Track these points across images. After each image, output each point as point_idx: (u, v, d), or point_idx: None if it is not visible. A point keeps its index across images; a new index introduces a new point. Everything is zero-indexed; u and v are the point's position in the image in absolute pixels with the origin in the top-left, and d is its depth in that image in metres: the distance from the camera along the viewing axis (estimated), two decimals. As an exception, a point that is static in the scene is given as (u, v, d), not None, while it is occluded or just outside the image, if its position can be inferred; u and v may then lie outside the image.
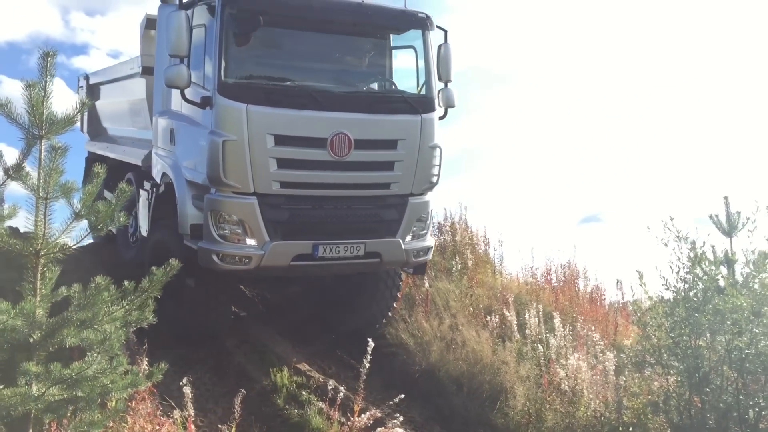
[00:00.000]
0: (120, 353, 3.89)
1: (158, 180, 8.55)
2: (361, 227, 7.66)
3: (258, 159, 7.07)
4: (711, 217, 6.88)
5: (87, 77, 13.07)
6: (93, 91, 12.72)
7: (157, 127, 8.68)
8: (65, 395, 3.80)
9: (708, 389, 6.25)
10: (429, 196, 8.27)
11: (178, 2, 7.43)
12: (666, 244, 6.65)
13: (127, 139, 11.21)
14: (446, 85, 8.24)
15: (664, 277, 6.66)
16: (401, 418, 6.34)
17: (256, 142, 7.05)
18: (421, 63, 8.23)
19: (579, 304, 10.60)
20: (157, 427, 5.15)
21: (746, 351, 6.00)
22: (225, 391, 7.07)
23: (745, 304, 6.03)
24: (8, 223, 4.47)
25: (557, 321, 8.47)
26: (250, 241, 7.20)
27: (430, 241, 8.41)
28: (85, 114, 12.78)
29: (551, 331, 8.47)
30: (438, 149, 8.06)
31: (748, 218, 6.67)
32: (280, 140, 7.16)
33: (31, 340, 3.81)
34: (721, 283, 6.41)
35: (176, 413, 5.50)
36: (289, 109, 7.21)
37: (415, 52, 8.26)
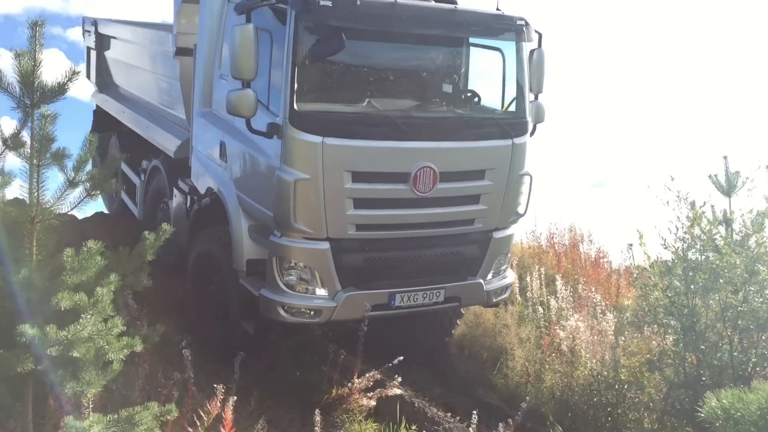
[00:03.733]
0: (114, 315, 3.97)
1: (200, 189, 7.70)
2: (440, 268, 6.82)
3: (333, 200, 6.11)
4: (710, 177, 6.86)
5: (95, 23, 11.93)
6: (102, 41, 11.77)
7: (199, 130, 7.76)
8: (62, 356, 3.89)
9: (703, 347, 6.30)
10: (513, 228, 7.38)
11: (237, 7, 6.38)
12: (667, 204, 6.63)
13: (147, 109, 10.17)
14: (536, 97, 7.16)
15: (663, 237, 6.66)
16: (400, 379, 6.44)
17: (333, 180, 6.07)
18: (511, 73, 7.04)
19: (582, 267, 10.66)
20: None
21: (740, 308, 6.03)
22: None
23: (739, 263, 6.05)
24: (9, 193, 4.55)
25: (559, 283, 8.54)
26: (320, 291, 6.34)
27: (510, 276, 7.57)
28: (92, 61, 12.17)
29: (553, 294, 8.54)
30: (528, 177, 7.07)
31: (747, 177, 6.65)
32: (358, 177, 6.20)
33: (27, 304, 3.90)
34: (719, 242, 6.42)
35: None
36: (370, 140, 6.21)
37: (503, 57, 7.07)
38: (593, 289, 9.16)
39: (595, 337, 7.43)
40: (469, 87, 7.39)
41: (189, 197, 8.03)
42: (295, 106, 5.99)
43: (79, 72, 4.32)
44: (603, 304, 8.31)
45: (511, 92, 7.09)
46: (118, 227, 10.21)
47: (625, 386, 6.73)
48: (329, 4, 5.88)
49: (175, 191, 8.44)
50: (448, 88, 7.26)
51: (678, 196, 6.59)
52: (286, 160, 6.06)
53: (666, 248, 6.68)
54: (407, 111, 6.64)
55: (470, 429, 5.71)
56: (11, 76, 4.22)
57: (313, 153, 6.01)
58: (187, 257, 7.67)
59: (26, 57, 4.10)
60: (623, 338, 7.12)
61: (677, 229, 6.58)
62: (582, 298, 8.72)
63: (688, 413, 5.90)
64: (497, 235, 7.04)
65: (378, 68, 6.85)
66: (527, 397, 6.74)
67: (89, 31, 12.18)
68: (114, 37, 11.31)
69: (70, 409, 4.54)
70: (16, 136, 4.34)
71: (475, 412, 5.77)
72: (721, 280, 6.14)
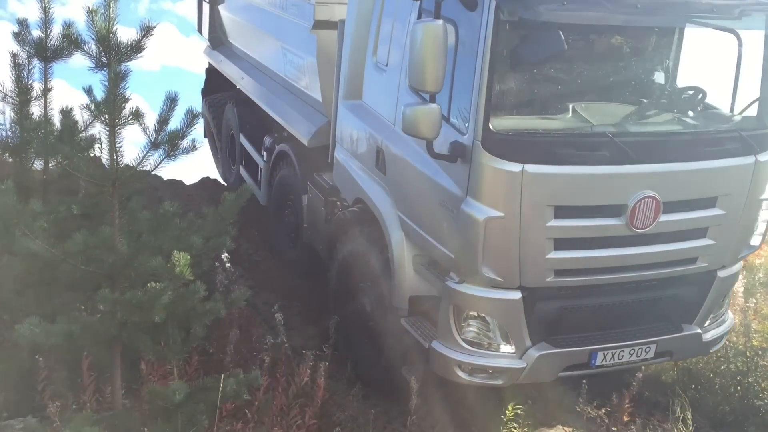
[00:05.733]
0: (193, 280, 3.84)
1: (345, 194, 6.65)
2: (649, 316, 5.59)
3: (531, 241, 4.93)
4: None
5: None
6: None
7: (346, 125, 6.55)
8: (145, 322, 3.81)
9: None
10: (740, 263, 6.00)
11: None
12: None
13: (272, 80, 8.86)
14: None
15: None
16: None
17: (532, 217, 4.87)
18: (750, 66, 5.46)
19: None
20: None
21: None
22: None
23: None
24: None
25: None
26: (506, 348, 5.25)
27: (730, 320, 6.11)
28: (204, 14, 11.04)
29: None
30: None
31: None
32: (563, 212, 4.95)
33: (108, 269, 3.84)
34: None
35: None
36: (581, 166, 4.92)
37: (739, 45, 5.42)
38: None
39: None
40: (683, 80, 5.89)
41: (328, 200, 6.92)
42: (491, 125, 4.74)
43: (154, 27, 4.16)
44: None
45: (749, 90, 5.49)
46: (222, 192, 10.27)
47: (758, 353, 6.12)
48: None
49: (310, 186, 7.36)
50: (668, 88, 5.88)
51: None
52: (474, 192, 4.86)
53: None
54: (625, 125, 5.23)
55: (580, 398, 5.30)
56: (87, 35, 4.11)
57: (510, 184, 4.78)
58: (329, 265, 6.71)
59: (99, 14, 3.96)
60: (755, 300, 6.48)
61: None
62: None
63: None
64: (723, 273, 5.62)
65: (588, 69, 5.53)
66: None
67: None
68: None
69: (159, 375, 4.53)
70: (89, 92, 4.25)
71: (584, 381, 5.33)
72: None
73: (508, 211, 4.79)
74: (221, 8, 10.35)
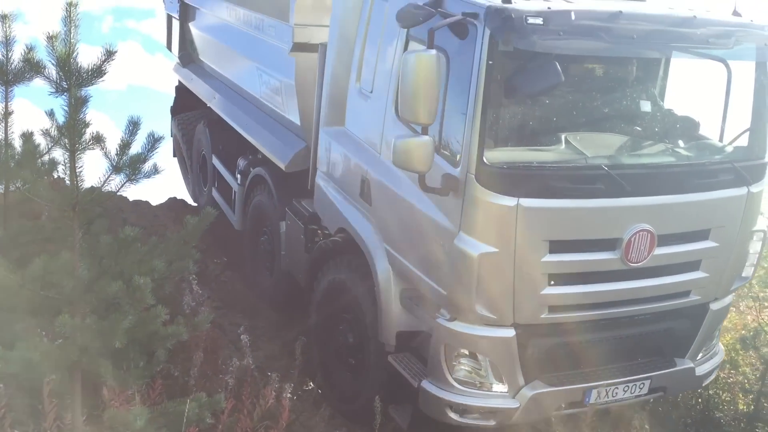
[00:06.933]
0: (155, 304, 3.83)
1: (326, 223, 6.44)
2: (641, 350, 5.51)
3: (526, 277, 4.78)
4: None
5: None
6: (186, 10, 10.25)
7: (327, 151, 6.33)
8: (106, 347, 3.79)
9: (805, 322, 5.72)
10: (731, 295, 5.95)
11: (401, 16, 4.86)
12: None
13: (246, 100, 8.60)
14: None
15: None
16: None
17: (527, 252, 4.73)
18: (740, 95, 5.45)
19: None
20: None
21: None
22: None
23: None
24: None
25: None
26: (498, 388, 5.07)
27: (720, 353, 6.04)
28: (174, 30, 10.80)
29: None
30: (762, 234, 5.59)
31: None
32: (558, 247, 4.82)
33: (68, 294, 3.81)
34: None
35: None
36: (577, 199, 4.81)
37: (728, 73, 5.41)
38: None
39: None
40: (674, 110, 5.83)
41: (308, 228, 6.68)
42: (485, 158, 4.59)
43: (115, 52, 4.16)
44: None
45: (738, 119, 5.47)
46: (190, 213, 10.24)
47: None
48: (540, 21, 4.35)
49: (289, 213, 7.14)
50: (660, 118, 5.79)
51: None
52: (467, 226, 4.70)
53: (762, 214, 6.05)
54: (619, 157, 5.20)
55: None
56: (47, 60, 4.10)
57: (504, 219, 4.63)
58: (311, 295, 6.46)
59: (60, 39, 3.96)
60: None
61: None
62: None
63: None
64: (715, 306, 5.56)
65: (582, 99, 5.40)
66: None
67: None
68: (203, 10, 9.74)
69: (121, 401, 4.48)
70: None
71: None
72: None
73: (503, 246, 4.66)
74: (192, 25, 10.18)
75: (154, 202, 10.99)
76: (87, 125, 3.99)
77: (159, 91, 39.36)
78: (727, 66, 5.36)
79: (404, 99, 4.53)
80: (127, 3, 43.63)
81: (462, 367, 5.04)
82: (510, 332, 4.90)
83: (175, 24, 10.78)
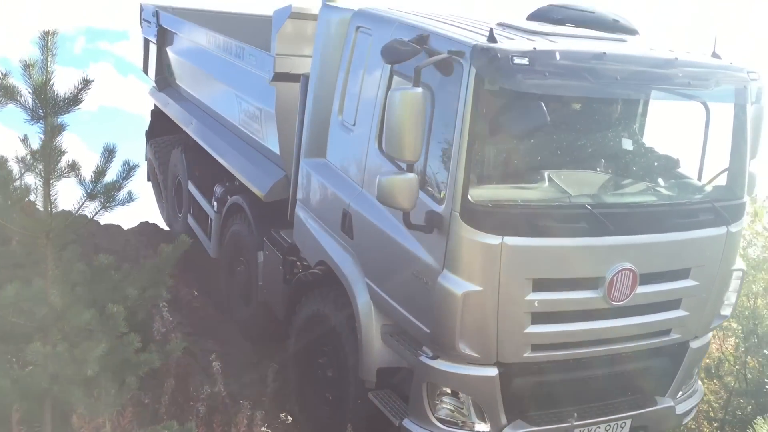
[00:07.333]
0: (128, 332, 3.84)
1: (306, 256, 6.38)
2: (622, 388, 5.47)
3: (509, 315, 4.76)
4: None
5: (157, 14, 10.11)
6: (164, 35, 10.12)
7: (307, 183, 6.26)
8: (78, 375, 3.78)
9: (766, 351, 5.87)
10: (710, 333, 5.99)
11: (386, 52, 4.84)
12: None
13: (224, 127, 8.51)
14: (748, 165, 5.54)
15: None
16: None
17: (511, 291, 4.71)
18: (718, 135, 5.54)
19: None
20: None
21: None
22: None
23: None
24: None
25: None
26: (480, 427, 5.04)
27: (700, 390, 6.05)
28: (151, 55, 10.74)
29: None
30: (741, 273, 5.65)
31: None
32: (542, 285, 4.81)
33: (40, 321, 3.81)
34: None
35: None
36: (561, 238, 4.82)
37: (706, 114, 5.55)
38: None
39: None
40: (654, 149, 5.86)
41: (287, 259, 6.64)
42: (470, 196, 4.56)
43: (92, 81, 4.20)
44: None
45: (716, 158, 5.54)
46: (162, 238, 10.20)
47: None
48: (525, 61, 4.37)
49: (267, 243, 7.07)
50: (641, 157, 5.84)
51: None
52: (451, 264, 4.66)
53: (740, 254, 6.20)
54: (602, 196, 5.23)
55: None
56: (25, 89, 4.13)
57: (489, 257, 4.61)
58: (287, 328, 6.41)
59: (37, 67, 3.99)
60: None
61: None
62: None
63: (751, 423, 5.47)
64: (695, 344, 5.58)
65: (565, 138, 5.43)
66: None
67: (149, 22, 10.47)
68: (182, 36, 9.59)
69: (91, 429, 4.46)
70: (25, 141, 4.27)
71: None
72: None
73: (487, 284, 4.62)
74: (170, 50, 10.07)
75: (125, 226, 10.85)
76: (62, 153, 4.01)
77: (131, 112, 39.32)
78: (706, 107, 5.47)
79: (389, 136, 4.52)
80: (100, 24, 43.52)
81: (444, 405, 5.01)
82: (493, 371, 4.86)
83: (153, 48, 10.70)
